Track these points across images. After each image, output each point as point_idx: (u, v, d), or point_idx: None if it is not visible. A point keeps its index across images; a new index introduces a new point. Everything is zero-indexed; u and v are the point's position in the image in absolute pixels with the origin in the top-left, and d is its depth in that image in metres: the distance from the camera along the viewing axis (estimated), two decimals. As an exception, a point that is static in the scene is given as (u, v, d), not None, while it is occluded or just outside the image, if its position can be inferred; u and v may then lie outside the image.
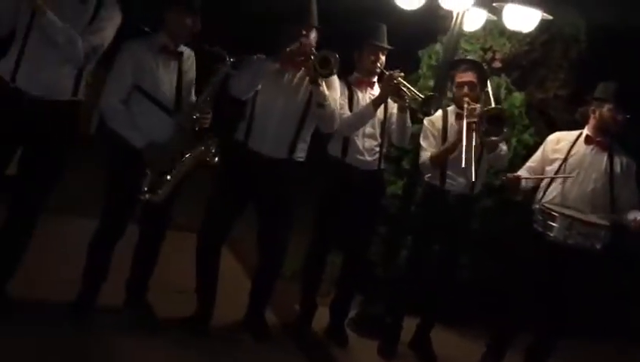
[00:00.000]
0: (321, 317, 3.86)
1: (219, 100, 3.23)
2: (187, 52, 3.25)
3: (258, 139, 3.34)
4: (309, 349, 3.67)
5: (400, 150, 4.41)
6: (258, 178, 3.35)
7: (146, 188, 3.05)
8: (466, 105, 3.52)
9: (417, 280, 3.78)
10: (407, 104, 3.53)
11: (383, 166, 3.76)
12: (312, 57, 3.17)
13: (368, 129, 3.62)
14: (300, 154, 3.43)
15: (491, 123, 3.44)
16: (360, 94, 3.63)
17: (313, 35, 3.30)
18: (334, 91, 3.41)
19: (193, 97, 3.29)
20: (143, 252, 3.40)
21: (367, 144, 3.63)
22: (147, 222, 3.34)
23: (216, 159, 3.17)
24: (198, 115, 3.13)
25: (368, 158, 3.64)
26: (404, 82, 3.53)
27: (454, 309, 4.09)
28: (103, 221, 3.23)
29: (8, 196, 3.06)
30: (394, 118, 3.67)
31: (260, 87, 3.29)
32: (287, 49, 3.19)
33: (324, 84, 3.28)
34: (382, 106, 3.62)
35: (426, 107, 3.54)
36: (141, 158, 3.06)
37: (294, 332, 3.80)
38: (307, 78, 3.31)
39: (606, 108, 3.61)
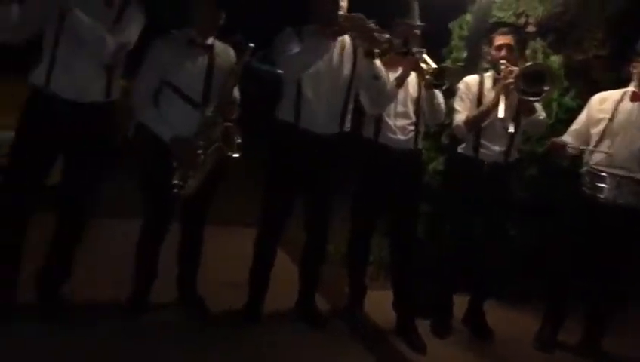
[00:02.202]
0: (372, 301, 3.83)
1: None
2: (221, 45, 3.25)
3: (310, 116, 3.31)
4: (362, 333, 3.63)
5: (439, 125, 4.32)
6: (311, 156, 3.33)
7: (175, 182, 3.05)
8: (503, 67, 3.42)
9: (462, 256, 3.71)
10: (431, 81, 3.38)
11: (420, 145, 3.65)
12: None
13: (400, 108, 3.53)
14: (348, 125, 3.43)
15: (529, 81, 3.28)
16: (391, 74, 3.48)
17: (344, 3, 3.28)
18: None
19: (236, 92, 3.28)
20: (186, 248, 3.43)
21: (399, 123, 3.53)
22: (186, 219, 3.37)
23: (238, 154, 3.11)
24: (223, 106, 3.12)
25: (401, 137, 3.54)
26: (426, 58, 3.39)
27: (508, 284, 4.01)
28: (145, 219, 3.28)
29: (51, 205, 3.08)
30: None
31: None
32: (340, 24, 3.15)
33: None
34: (416, 85, 3.54)
35: (439, 79, 3.35)
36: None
37: (346, 315, 3.77)
38: (348, 48, 3.31)
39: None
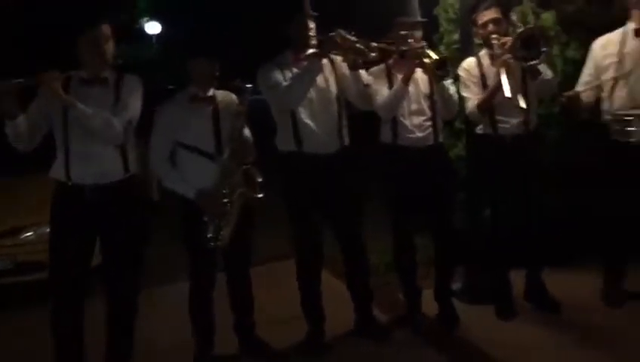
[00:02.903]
0: (428, 300, 3.78)
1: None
2: (221, 93, 3.31)
3: (312, 140, 3.33)
4: (429, 336, 3.60)
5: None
6: (323, 177, 3.35)
7: (209, 236, 3.11)
8: (495, 42, 3.40)
9: (506, 233, 3.67)
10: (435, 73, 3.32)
11: (440, 139, 3.60)
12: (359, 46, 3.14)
13: (413, 105, 3.50)
14: (347, 139, 3.46)
15: (526, 47, 3.26)
16: (399, 76, 3.46)
17: (312, 24, 3.32)
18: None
19: (247, 132, 3.32)
20: (236, 295, 3.45)
21: (415, 121, 3.50)
22: (230, 267, 3.39)
23: (261, 194, 3.14)
24: (237, 151, 3.16)
25: (419, 134, 3.50)
26: (428, 52, 3.33)
27: (559, 249, 3.95)
28: (191, 278, 3.32)
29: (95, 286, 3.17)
30: None
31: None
32: (327, 44, 3.17)
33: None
34: (427, 80, 3.50)
35: (441, 69, 3.27)
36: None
37: (407, 323, 3.73)
38: (327, 65, 3.34)
39: None
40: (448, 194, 3.66)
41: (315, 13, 3.33)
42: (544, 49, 3.28)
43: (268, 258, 4.73)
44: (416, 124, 3.51)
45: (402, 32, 3.41)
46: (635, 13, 3.51)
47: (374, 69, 3.52)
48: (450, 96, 3.49)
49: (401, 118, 3.51)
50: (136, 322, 3.22)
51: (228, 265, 3.38)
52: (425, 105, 3.53)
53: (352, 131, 3.51)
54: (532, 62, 3.31)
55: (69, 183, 2.99)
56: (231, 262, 3.36)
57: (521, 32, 3.34)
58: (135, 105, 3.08)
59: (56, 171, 3.02)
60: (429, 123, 3.53)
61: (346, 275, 3.65)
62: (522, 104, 3.28)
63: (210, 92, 3.27)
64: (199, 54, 3.25)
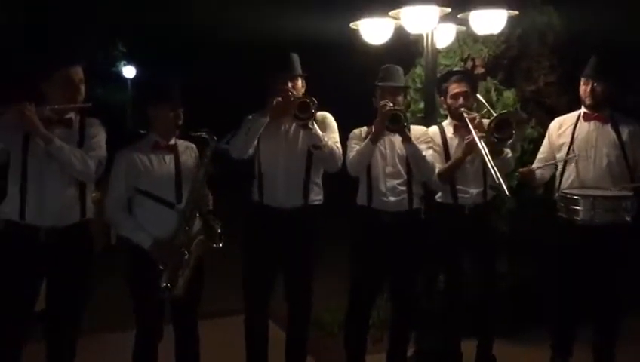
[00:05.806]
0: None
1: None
2: (183, 143, 3.29)
3: (271, 193, 3.36)
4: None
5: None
6: (278, 231, 3.35)
7: (164, 285, 3.03)
8: (465, 115, 3.50)
9: (459, 303, 3.70)
10: (407, 133, 3.35)
11: (416, 205, 3.51)
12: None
13: (389, 168, 3.47)
14: (316, 198, 3.43)
15: (499, 129, 3.41)
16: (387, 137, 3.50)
17: (299, 83, 3.36)
18: (331, 131, 3.40)
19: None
20: (182, 349, 3.34)
21: (389, 184, 3.45)
22: (178, 319, 3.30)
23: (221, 244, 3.13)
24: (196, 200, 3.13)
25: (392, 199, 3.45)
26: (396, 110, 3.35)
27: (509, 319, 3.99)
28: (138, 328, 3.22)
29: (38, 331, 3.06)
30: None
31: (259, 143, 3.36)
32: (274, 102, 3.25)
33: (315, 126, 3.26)
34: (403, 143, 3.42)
35: (392, 124, 3.30)
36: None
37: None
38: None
39: (582, 83, 3.65)
40: (414, 262, 3.58)
41: (305, 74, 3.37)
42: (514, 131, 3.44)
43: (215, 312, 4.61)
44: (390, 187, 3.46)
45: (382, 102, 3.43)
46: (585, 97, 3.69)
47: (358, 130, 3.57)
48: (422, 157, 3.41)
49: (376, 181, 3.47)
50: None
51: (175, 317, 3.28)
52: (401, 168, 3.48)
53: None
54: (504, 143, 3.46)
55: (22, 223, 2.93)
56: (179, 313, 3.26)
57: (496, 117, 3.47)
58: (103, 146, 3.09)
59: (9, 211, 2.96)
60: (403, 187, 3.47)
61: (287, 331, 3.59)
62: (506, 191, 3.21)
63: (172, 141, 3.24)
64: (160, 100, 3.17)
